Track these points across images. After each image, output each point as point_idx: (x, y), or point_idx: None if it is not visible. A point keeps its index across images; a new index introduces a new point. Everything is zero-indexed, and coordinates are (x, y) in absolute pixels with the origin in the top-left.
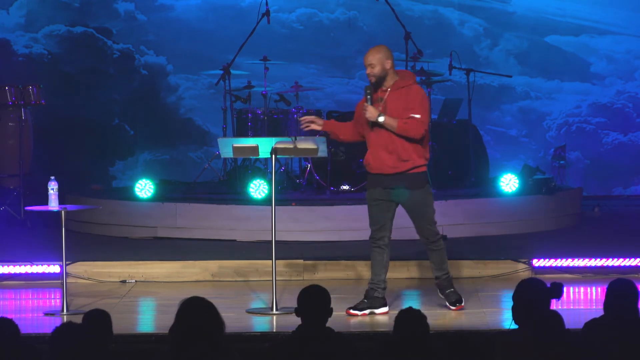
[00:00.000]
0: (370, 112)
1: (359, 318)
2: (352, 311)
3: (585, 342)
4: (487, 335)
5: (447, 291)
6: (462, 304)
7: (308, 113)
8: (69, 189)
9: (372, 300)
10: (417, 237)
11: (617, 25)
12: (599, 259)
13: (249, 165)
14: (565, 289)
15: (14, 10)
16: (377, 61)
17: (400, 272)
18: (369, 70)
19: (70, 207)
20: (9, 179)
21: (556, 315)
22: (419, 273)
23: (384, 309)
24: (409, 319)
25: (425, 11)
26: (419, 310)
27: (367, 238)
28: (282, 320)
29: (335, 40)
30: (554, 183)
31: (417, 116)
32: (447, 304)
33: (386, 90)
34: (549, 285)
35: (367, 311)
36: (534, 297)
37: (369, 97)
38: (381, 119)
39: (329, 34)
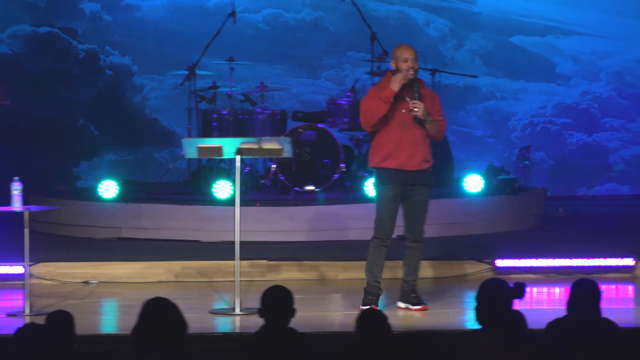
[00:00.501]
0: (422, 110)
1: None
2: (362, 307)
3: (547, 342)
4: (450, 335)
5: (412, 295)
6: (426, 305)
7: (273, 114)
8: (33, 189)
9: (377, 297)
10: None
11: (582, 25)
12: (562, 259)
13: (213, 166)
14: (528, 289)
15: None
16: (417, 56)
17: (363, 272)
18: (411, 64)
19: (33, 207)
20: None
21: (519, 315)
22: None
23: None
24: (370, 320)
25: (391, 12)
26: (380, 311)
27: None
28: (245, 321)
29: (301, 41)
30: (519, 183)
31: (443, 119)
32: (410, 305)
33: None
34: (511, 285)
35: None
36: (497, 297)
37: (417, 94)
38: (430, 118)
39: (295, 34)
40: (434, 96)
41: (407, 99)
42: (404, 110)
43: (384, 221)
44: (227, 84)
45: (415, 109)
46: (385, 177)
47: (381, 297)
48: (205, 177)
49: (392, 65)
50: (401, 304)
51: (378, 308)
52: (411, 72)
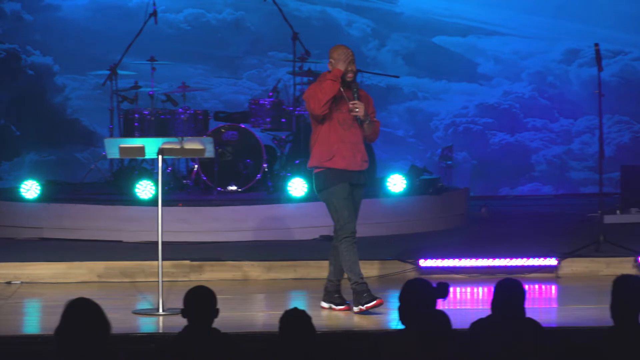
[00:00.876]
0: (363, 110)
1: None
2: (370, 304)
3: (471, 342)
4: (373, 335)
5: (336, 295)
6: (349, 305)
7: (195, 114)
8: None
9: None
10: (305, 237)
11: (504, 26)
12: (485, 259)
13: (135, 166)
14: (452, 289)
15: None
16: (354, 60)
17: (287, 272)
18: (353, 68)
19: None
20: None
21: (443, 315)
22: (306, 273)
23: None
24: (294, 320)
25: (312, 11)
26: (303, 311)
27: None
28: (168, 321)
29: (222, 41)
30: (441, 183)
31: (377, 120)
32: (333, 305)
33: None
34: (435, 285)
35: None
36: (420, 297)
37: (356, 94)
38: (369, 119)
39: (217, 34)
40: (368, 97)
41: (347, 99)
42: (344, 111)
43: (347, 220)
44: (149, 84)
45: (356, 110)
46: (335, 177)
47: (305, 297)
48: (128, 177)
49: (329, 66)
50: (324, 304)
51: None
52: (351, 75)
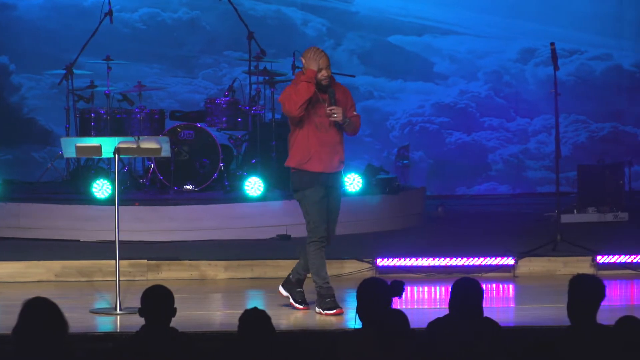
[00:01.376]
0: (341, 115)
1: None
2: (335, 310)
3: (429, 341)
4: (331, 335)
5: (297, 289)
6: (307, 307)
7: (151, 113)
8: None
9: (334, 297)
10: (262, 236)
11: (460, 25)
12: (443, 259)
13: (92, 165)
14: (409, 288)
15: None
16: (329, 65)
17: (244, 272)
18: (327, 74)
19: None
20: None
21: (401, 315)
22: (263, 273)
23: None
24: (254, 319)
25: (268, 11)
26: (263, 311)
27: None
28: (125, 320)
29: (178, 40)
30: (398, 183)
31: (357, 113)
32: (291, 299)
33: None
34: (389, 283)
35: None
36: (375, 296)
37: (333, 99)
38: (347, 120)
39: (172, 33)
40: (346, 92)
41: (323, 101)
42: (321, 114)
43: (317, 224)
44: (105, 83)
45: (334, 115)
46: (309, 180)
47: (263, 297)
48: (84, 176)
49: (303, 69)
50: (283, 291)
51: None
52: (326, 81)
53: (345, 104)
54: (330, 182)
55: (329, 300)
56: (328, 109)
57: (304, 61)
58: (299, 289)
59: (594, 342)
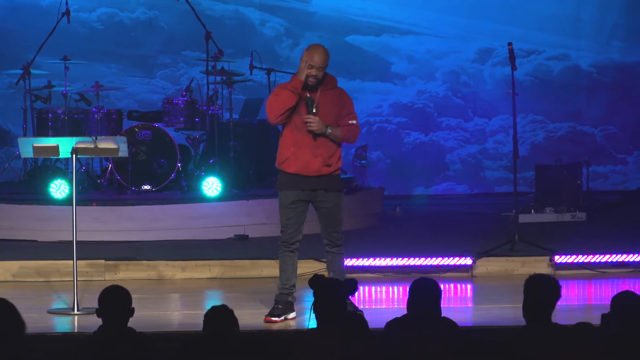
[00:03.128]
0: (318, 125)
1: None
2: (271, 318)
3: (387, 341)
4: (287, 334)
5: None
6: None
7: (109, 113)
8: None
9: (286, 305)
10: (220, 236)
11: (418, 25)
12: (400, 259)
13: (49, 165)
14: (367, 288)
15: None
16: (325, 66)
17: (202, 272)
18: (315, 73)
19: None
20: None
21: (358, 316)
22: (220, 273)
23: (294, 314)
24: (220, 317)
25: (226, 11)
26: (230, 309)
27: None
28: (83, 321)
29: (136, 40)
30: (356, 183)
31: (355, 122)
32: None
33: (316, 92)
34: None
35: (283, 317)
36: (329, 294)
37: (311, 108)
38: (329, 130)
39: (130, 33)
40: (344, 99)
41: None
42: (303, 114)
43: (284, 227)
44: (62, 83)
45: (310, 125)
46: (283, 182)
47: (220, 297)
48: (41, 176)
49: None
50: None
51: (283, 317)
52: (312, 80)
53: (337, 111)
54: (311, 186)
55: (275, 307)
56: (304, 117)
57: (301, 61)
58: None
59: (549, 341)
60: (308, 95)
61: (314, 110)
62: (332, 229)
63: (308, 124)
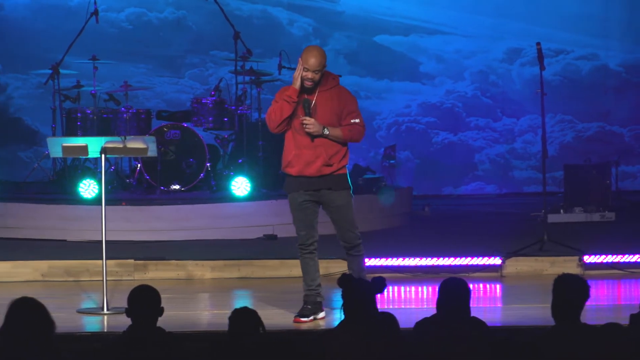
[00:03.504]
0: (315, 126)
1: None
2: (300, 318)
3: (416, 341)
4: (317, 333)
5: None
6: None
7: (138, 113)
8: None
9: (314, 305)
10: (248, 236)
11: (446, 25)
12: (430, 259)
13: (78, 165)
14: (396, 288)
15: None
16: (321, 68)
17: (231, 271)
18: (311, 76)
19: None
20: None
21: (389, 316)
22: (249, 272)
23: (323, 314)
24: (242, 319)
25: (254, 11)
26: (253, 310)
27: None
28: (112, 320)
29: (164, 40)
30: (385, 182)
31: (357, 121)
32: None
33: (314, 93)
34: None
35: (312, 317)
36: (358, 293)
37: (308, 110)
38: (326, 131)
39: (158, 33)
40: (344, 98)
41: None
42: (300, 116)
43: (297, 229)
44: (91, 83)
45: (307, 127)
46: (289, 184)
47: (249, 296)
48: (71, 176)
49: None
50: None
51: (312, 317)
52: (308, 83)
53: (336, 111)
54: (314, 186)
55: (303, 307)
56: (301, 119)
57: (299, 62)
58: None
59: (578, 341)
60: (305, 97)
61: (310, 112)
62: (346, 229)
63: (305, 125)
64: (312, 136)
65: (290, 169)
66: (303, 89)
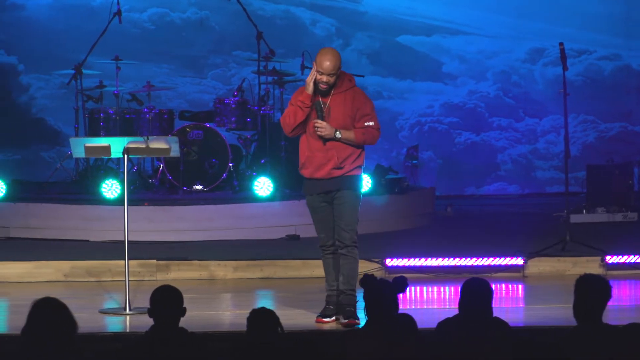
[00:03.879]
0: (327, 129)
1: (205, 318)
2: (323, 319)
3: (438, 341)
4: (339, 333)
5: (346, 308)
6: (357, 320)
7: (160, 113)
8: None
9: (337, 306)
10: (271, 236)
11: (468, 25)
12: (452, 259)
13: (101, 165)
14: (419, 288)
15: None
16: (336, 71)
17: (253, 272)
18: (326, 79)
19: None
20: None
21: (408, 317)
22: (272, 273)
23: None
24: (261, 319)
25: (277, 11)
26: (272, 310)
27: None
28: (135, 321)
29: (187, 40)
30: (407, 183)
31: (372, 124)
32: (341, 318)
33: (329, 95)
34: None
35: (334, 317)
36: (379, 293)
37: (320, 113)
38: (338, 135)
39: (181, 33)
40: (358, 100)
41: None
42: (315, 118)
43: (316, 231)
44: (114, 83)
45: (319, 130)
46: (305, 187)
47: (272, 297)
48: (93, 176)
49: (314, 67)
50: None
51: (337, 317)
52: (323, 86)
53: (350, 113)
54: (326, 187)
55: (325, 307)
56: (313, 122)
57: (314, 64)
58: (350, 308)
59: (600, 342)
60: (319, 98)
61: (323, 114)
62: (341, 227)
63: (316, 129)
64: (325, 139)
65: (304, 171)
66: (318, 92)
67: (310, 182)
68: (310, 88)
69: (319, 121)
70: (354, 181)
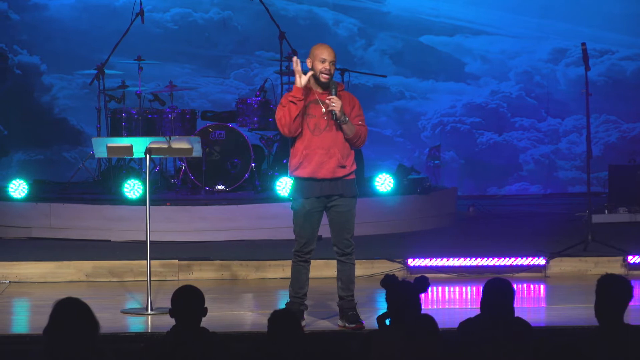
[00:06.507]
0: (339, 104)
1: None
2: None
3: (460, 341)
4: (362, 334)
5: (349, 313)
6: (362, 324)
7: (183, 113)
8: None
9: (298, 313)
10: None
11: (491, 25)
12: (474, 259)
13: (123, 165)
14: (440, 288)
15: None
16: (336, 59)
17: (275, 272)
18: (329, 67)
19: None
20: None
21: (428, 318)
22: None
23: (304, 322)
24: (283, 320)
25: (299, 11)
26: (291, 311)
27: (241, 238)
28: (156, 321)
29: (209, 40)
30: (429, 183)
31: (362, 124)
32: (346, 323)
33: (325, 93)
34: (412, 281)
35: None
36: (402, 294)
37: (334, 90)
38: (346, 118)
39: (204, 33)
40: (353, 100)
41: (320, 102)
42: (316, 115)
43: (298, 236)
44: (136, 83)
45: (333, 104)
46: (298, 188)
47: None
48: (115, 176)
49: (308, 64)
50: (339, 322)
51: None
52: (326, 76)
53: (347, 110)
54: (326, 191)
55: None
56: (327, 97)
57: (308, 62)
58: (351, 312)
59: (621, 342)
60: (321, 91)
61: (337, 92)
62: (343, 235)
63: (331, 104)
64: (328, 135)
65: (302, 171)
66: (320, 84)
67: (308, 183)
68: (302, 81)
69: (333, 96)
70: (354, 186)
